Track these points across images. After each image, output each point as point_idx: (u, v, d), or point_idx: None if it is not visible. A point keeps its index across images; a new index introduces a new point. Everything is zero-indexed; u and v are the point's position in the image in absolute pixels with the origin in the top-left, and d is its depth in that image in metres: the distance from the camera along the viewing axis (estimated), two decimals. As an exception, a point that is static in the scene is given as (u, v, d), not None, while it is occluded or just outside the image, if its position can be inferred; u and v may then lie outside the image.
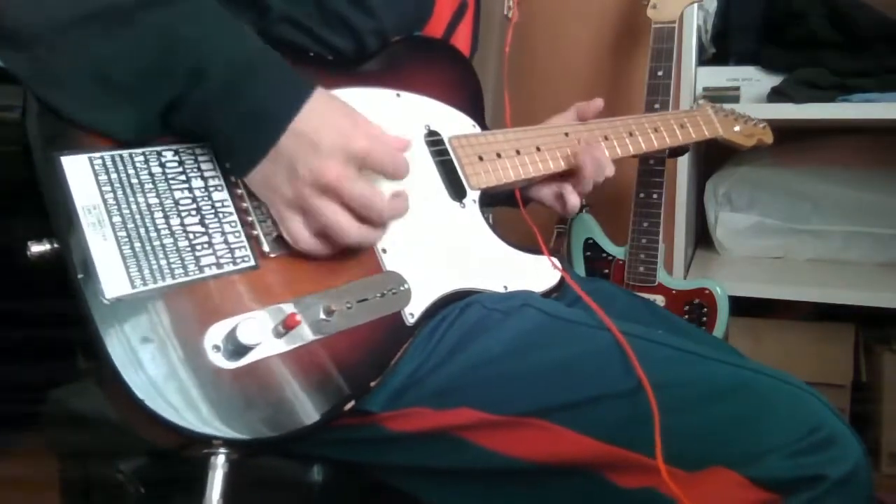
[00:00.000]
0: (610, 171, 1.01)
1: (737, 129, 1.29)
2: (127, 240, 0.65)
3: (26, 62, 0.67)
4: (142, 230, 0.66)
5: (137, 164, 0.69)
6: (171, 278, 0.66)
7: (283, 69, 0.72)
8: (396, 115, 0.88)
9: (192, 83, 0.67)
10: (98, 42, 0.67)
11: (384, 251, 0.79)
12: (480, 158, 0.92)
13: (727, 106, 1.33)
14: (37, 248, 0.64)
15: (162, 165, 0.70)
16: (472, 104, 0.98)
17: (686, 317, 1.54)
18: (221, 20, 0.71)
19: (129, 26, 0.67)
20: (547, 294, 0.92)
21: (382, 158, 0.74)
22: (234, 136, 0.70)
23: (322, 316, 0.70)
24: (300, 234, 0.71)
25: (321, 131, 0.70)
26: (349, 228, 0.72)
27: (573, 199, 1.01)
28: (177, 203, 0.69)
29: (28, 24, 0.66)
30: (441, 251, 0.84)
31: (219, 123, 0.69)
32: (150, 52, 0.67)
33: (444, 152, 0.90)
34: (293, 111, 0.70)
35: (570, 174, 1.00)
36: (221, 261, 0.69)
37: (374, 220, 0.73)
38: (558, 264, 0.94)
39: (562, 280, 0.93)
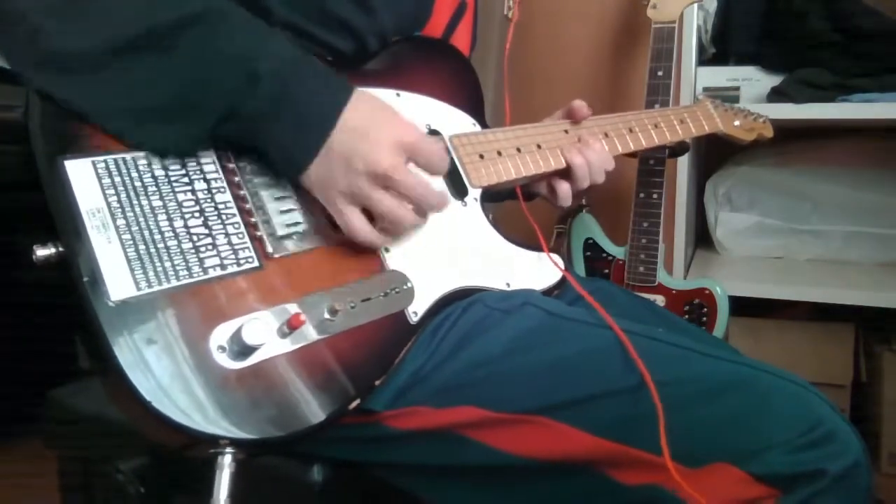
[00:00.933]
0: (608, 165, 1.01)
1: (737, 123, 1.29)
2: (131, 242, 0.66)
3: (69, 86, 0.68)
4: (146, 233, 0.67)
5: (140, 167, 0.70)
6: (176, 280, 0.66)
7: (322, 69, 0.74)
8: (397, 114, 0.88)
9: (247, 91, 0.69)
10: (143, 65, 0.69)
11: (387, 250, 0.79)
12: (481, 157, 0.93)
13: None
14: (42, 252, 0.64)
15: (165, 168, 0.71)
16: (472, 103, 0.99)
17: (686, 317, 1.54)
18: (257, 28, 0.72)
19: (169, 50, 0.68)
20: (549, 291, 0.92)
21: (430, 150, 0.77)
22: (288, 137, 0.72)
23: (326, 315, 0.71)
24: (359, 226, 0.74)
25: (370, 124, 0.73)
26: (406, 216, 0.76)
27: (563, 187, 1.01)
28: (180, 205, 0.70)
29: (72, 49, 0.68)
30: (443, 250, 0.84)
31: (274, 128, 0.71)
32: (194, 72, 0.69)
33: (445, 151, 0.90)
34: (341, 105, 0.73)
35: (567, 172, 1.01)
36: (225, 262, 0.69)
37: (424, 210, 0.77)
38: (560, 262, 0.94)
39: (563, 277, 0.94)
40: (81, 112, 0.68)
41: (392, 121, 0.76)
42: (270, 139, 0.72)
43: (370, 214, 0.76)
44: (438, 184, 0.87)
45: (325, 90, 0.73)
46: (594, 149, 0.99)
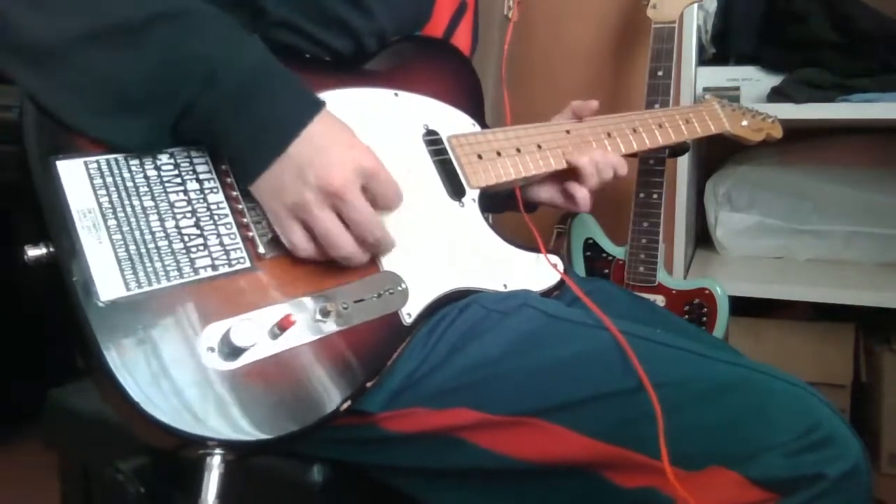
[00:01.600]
0: (622, 170, 1.02)
1: (744, 123, 1.28)
2: (122, 243, 0.65)
3: (35, 77, 0.68)
4: (137, 233, 0.67)
5: (133, 168, 0.69)
6: (167, 280, 0.66)
7: (294, 80, 0.73)
8: (394, 114, 0.88)
9: (203, 88, 0.68)
10: (107, 58, 0.68)
11: (382, 251, 0.79)
12: (480, 157, 0.92)
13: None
14: (33, 252, 0.64)
15: (157, 168, 0.70)
16: (472, 103, 0.98)
17: (686, 317, 1.54)
18: (230, 30, 0.72)
19: (137, 43, 0.68)
20: (547, 293, 0.92)
21: (388, 179, 0.75)
22: (246, 140, 0.70)
23: (318, 317, 0.71)
24: (300, 242, 0.72)
25: (332, 143, 0.72)
26: (345, 243, 0.72)
27: (581, 192, 1.00)
28: (172, 206, 0.69)
29: (38, 39, 0.67)
30: (440, 250, 0.84)
31: (230, 128, 0.70)
32: (158, 67, 0.68)
33: (443, 151, 0.90)
34: (305, 119, 0.71)
35: (573, 173, 1.00)
36: (217, 262, 0.69)
37: (366, 240, 0.74)
38: (559, 265, 0.93)
39: (562, 278, 0.93)
40: (47, 106, 0.68)
41: (355, 144, 0.74)
42: (226, 140, 0.71)
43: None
44: (428, 185, 0.87)
45: (292, 101, 0.72)
46: (596, 151, 0.99)
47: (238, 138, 0.71)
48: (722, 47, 1.75)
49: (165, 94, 0.69)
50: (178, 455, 0.67)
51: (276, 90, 0.71)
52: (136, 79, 0.68)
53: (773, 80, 1.63)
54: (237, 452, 0.64)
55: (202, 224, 0.70)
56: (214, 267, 0.68)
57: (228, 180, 0.73)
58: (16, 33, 0.67)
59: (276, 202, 0.71)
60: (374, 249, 0.76)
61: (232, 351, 0.65)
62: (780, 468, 0.67)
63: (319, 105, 0.73)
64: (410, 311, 0.78)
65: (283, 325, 0.67)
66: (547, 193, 1.05)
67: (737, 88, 1.67)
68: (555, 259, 0.94)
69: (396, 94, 0.90)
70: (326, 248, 0.72)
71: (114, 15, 0.68)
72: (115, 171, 0.68)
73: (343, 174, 0.70)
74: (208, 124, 0.70)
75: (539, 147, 0.97)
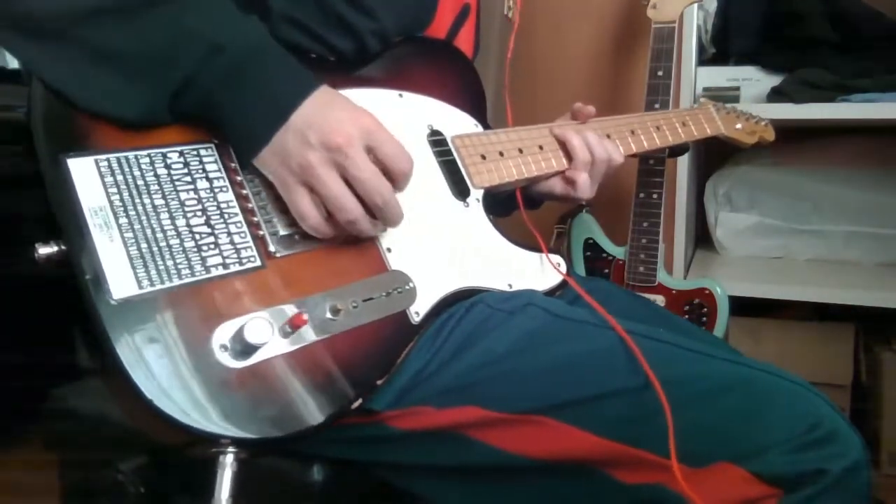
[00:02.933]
0: (617, 156, 1.01)
1: (738, 126, 1.29)
2: (133, 241, 0.66)
3: (35, 50, 0.68)
4: (148, 231, 0.67)
5: (143, 166, 0.70)
6: (178, 279, 0.66)
7: (292, 58, 0.74)
8: (399, 115, 0.88)
9: (204, 62, 0.69)
10: (109, 35, 0.68)
11: (389, 250, 0.79)
12: (483, 157, 0.93)
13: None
14: (44, 251, 0.65)
15: (167, 167, 0.71)
16: (475, 104, 0.99)
17: (686, 317, 1.54)
18: (231, 10, 0.72)
19: (140, 20, 0.68)
20: (551, 292, 0.92)
21: (390, 139, 0.75)
22: (247, 113, 0.71)
23: (328, 315, 0.71)
24: (306, 209, 0.72)
25: (333, 106, 0.72)
26: (350, 204, 0.72)
27: (582, 176, 1.00)
28: (182, 204, 0.70)
29: (40, 14, 0.67)
30: (445, 250, 0.84)
31: (230, 101, 0.70)
32: (159, 42, 0.69)
33: (447, 152, 0.90)
34: (306, 91, 0.72)
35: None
36: (227, 261, 0.69)
37: (374, 202, 0.73)
38: (562, 265, 0.94)
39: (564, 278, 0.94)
40: (45, 80, 0.68)
41: (356, 108, 0.74)
42: (226, 113, 0.71)
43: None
44: (433, 186, 0.88)
45: (291, 75, 0.73)
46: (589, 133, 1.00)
47: (239, 112, 0.71)
48: (722, 47, 1.76)
49: (165, 67, 0.69)
50: (188, 453, 0.67)
51: (275, 65, 0.72)
52: (135, 54, 0.69)
53: (773, 80, 1.64)
54: (249, 450, 0.65)
55: (213, 222, 0.70)
56: (225, 265, 0.69)
57: (238, 179, 0.74)
58: (21, 10, 0.67)
59: (283, 168, 0.71)
60: (382, 214, 0.75)
61: (244, 349, 0.65)
62: (783, 464, 0.67)
63: (317, 81, 0.73)
64: (418, 310, 0.78)
65: (294, 324, 0.67)
66: (548, 188, 1.04)
67: (737, 88, 1.68)
68: (557, 259, 0.94)
69: (401, 95, 0.90)
70: (333, 211, 0.72)
71: None
72: (126, 169, 0.69)
73: (345, 130, 0.71)
74: (208, 97, 0.70)
75: (541, 148, 0.98)
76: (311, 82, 0.73)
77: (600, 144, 1.00)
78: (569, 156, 1.00)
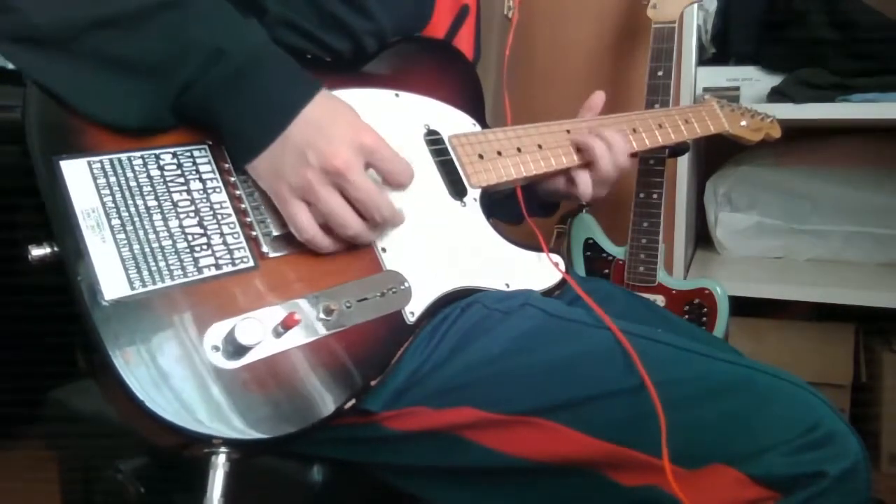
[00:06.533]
0: (624, 157, 1.01)
1: (743, 123, 1.28)
2: (126, 242, 0.66)
3: (37, 60, 0.68)
4: (140, 232, 0.67)
5: (136, 167, 0.69)
6: (171, 279, 0.66)
7: (293, 63, 0.74)
8: (395, 115, 0.88)
9: (204, 68, 0.69)
10: (110, 43, 0.68)
11: (384, 250, 0.79)
12: (481, 157, 0.92)
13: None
14: (37, 252, 0.65)
15: (160, 168, 0.71)
16: (472, 103, 0.98)
17: (686, 317, 1.54)
18: (232, 16, 0.72)
19: (140, 29, 0.68)
20: (549, 292, 0.92)
21: (390, 156, 0.75)
22: (245, 119, 0.71)
23: (321, 315, 0.71)
24: (304, 223, 0.72)
25: (332, 121, 0.72)
26: (350, 220, 0.73)
27: (584, 177, 1.00)
28: (175, 205, 0.70)
29: (42, 25, 0.67)
30: (442, 250, 0.84)
31: (229, 106, 0.70)
32: (160, 49, 0.69)
33: (444, 151, 0.90)
34: (306, 99, 0.72)
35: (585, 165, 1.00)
36: (220, 262, 0.69)
37: (374, 218, 0.74)
38: (561, 264, 0.94)
39: (563, 278, 0.93)
40: (50, 89, 0.68)
41: (355, 122, 0.74)
42: (225, 119, 0.71)
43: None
44: (430, 185, 0.87)
45: (291, 81, 0.73)
46: (610, 133, 0.99)
47: (237, 117, 0.71)
48: (722, 47, 1.75)
49: (165, 74, 0.69)
50: (182, 454, 0.67)
51: (275, 71, 0.72)
52: (137, 61, 0.69)
53: (773, 80, 1.63)
54: (242, 451, 0.64)
55: (205, 223, 0.70)
56: (218, 266, 0.69)
57: (231, 179, 0.73)
58: (24, 21, 0.67)
59: (279, 183, 0.71)
60: (384, 227, 0.77)
61: (236, 350, 0.65)
62: (780, 466, 0.67)
63: (318, 85, 0.73)
64: (413, 310, 0.78)
65: (287, 324, 0.67)
66: (551, 187, 1.04)
67: (737, 88, 1.68)
68: (556, 258, 0.94)
69: (397, 95, 0.90)
70: (333, 227, 0.73)
71: (121, 3, 0.68)
72: (119, 171, 0.68)
73: (344, 153, 0.71)
74: (207, 102, 0.70)
75: (540, 147, 0.98)
76: (309, 89, 0.73)
77: (617, 142, 1.00)
78: (586, 160, 1.00)
